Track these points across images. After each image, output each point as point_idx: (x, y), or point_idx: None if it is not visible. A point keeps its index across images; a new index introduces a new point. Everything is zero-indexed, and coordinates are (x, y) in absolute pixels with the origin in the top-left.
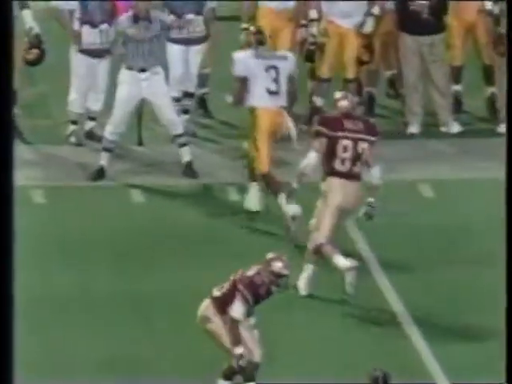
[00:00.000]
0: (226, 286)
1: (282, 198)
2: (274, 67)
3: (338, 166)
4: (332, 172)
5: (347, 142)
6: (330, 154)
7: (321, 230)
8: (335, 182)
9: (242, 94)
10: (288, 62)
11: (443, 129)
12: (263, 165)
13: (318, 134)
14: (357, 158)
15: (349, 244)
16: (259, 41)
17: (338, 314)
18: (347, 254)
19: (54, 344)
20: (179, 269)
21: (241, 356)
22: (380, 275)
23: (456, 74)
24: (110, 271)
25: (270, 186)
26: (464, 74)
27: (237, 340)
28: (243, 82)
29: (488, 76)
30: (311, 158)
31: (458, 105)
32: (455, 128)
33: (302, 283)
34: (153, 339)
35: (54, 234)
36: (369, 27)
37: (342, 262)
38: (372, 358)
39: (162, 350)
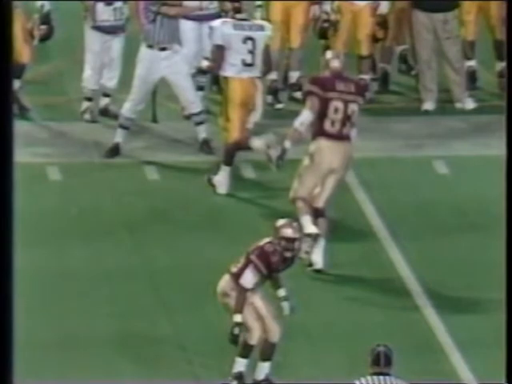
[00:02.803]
0: (241, 260)
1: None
2: (251, 38)
3: (327, 127)
4: (321, 133)
5: (338, 104)
6: (320, 115)
7: (303, 185)
8: (324, 144)
9: (219, 62)
10: (264, 32)
11: (458, 105)
12: (234, 133)
13: (309, 94)
14: (347, 119)
15: (362, 218)
16: (236, 9)
17: (351, 289)
18: (360, 228)
19: (69, 319)
20: (194, 245)
21: (238, 324)
22: (393, 249)
23: (469, 49)
24: (124, 248)
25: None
26: (477, 49)
27: (239, 308)
28: (220, 50)
29: (499, 51)
30: (305, 116)
31: (472, 81)
32: (470, 104)
33: (317, 257)
34: (168, 315)
35: (69, 210)
36: (384, 9)
37: (306, 225)
38: (384, 330)
39: (177, 326)
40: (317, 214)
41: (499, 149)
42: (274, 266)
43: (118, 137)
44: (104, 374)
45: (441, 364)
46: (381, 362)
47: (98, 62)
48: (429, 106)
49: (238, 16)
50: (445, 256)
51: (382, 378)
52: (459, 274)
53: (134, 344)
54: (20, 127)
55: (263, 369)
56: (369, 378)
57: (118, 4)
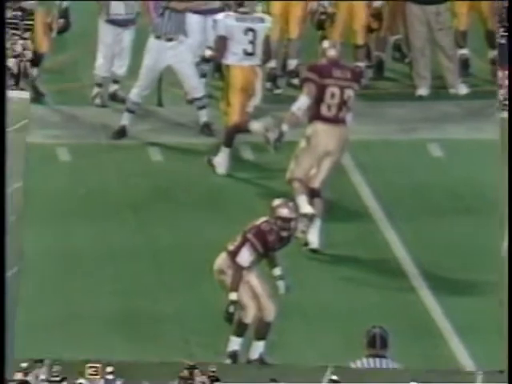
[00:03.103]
0: (238, 238)
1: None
2: (252, 29)
3: (324, 111)
4: (318, 117)
5: (335, 90)
6: (317, 100)
7: (300, 167)
8: (320, 127)
9: (221, 52)
10: (264, 24)
11: (451, 91)
12: (234, 116)
13: (307, 80)
14: (343, 104)
15: (357, 199)
16: (238, 2)
17: (347, 269)
18: (356, 209)
19: (73, 297)
20: (196, 224)
21: (233, 302)
22: (388, 230)
23: (461, 39)
24: (129, 227)
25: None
26: (469, 38)
27: (235, 286)
28: (223, 40)
29: (491, 40)
30: (302, 101)
31: (465, 68)
32: (463, 90)
33: (313, 236)
34: (169, 293)
35: (77, 190)
36: (378, 2)
37: (302, 205)
38: (379, 311)
39: (177, 305)
40: (313, 194)
41: (492, 132)
42: (271, 244)
43: (125, 120)
44: (103, 351)
45: (440, 348)
46: (376, 344)
47: (110, 52)
48: (423, 91)
49: (241, 9)
50: (440, 237)
51: (378, 360)
52: (454, 255)
53: (135, 322)
54: (35, 111)
55: (258, 348)
56: (364, 360)
57: None
